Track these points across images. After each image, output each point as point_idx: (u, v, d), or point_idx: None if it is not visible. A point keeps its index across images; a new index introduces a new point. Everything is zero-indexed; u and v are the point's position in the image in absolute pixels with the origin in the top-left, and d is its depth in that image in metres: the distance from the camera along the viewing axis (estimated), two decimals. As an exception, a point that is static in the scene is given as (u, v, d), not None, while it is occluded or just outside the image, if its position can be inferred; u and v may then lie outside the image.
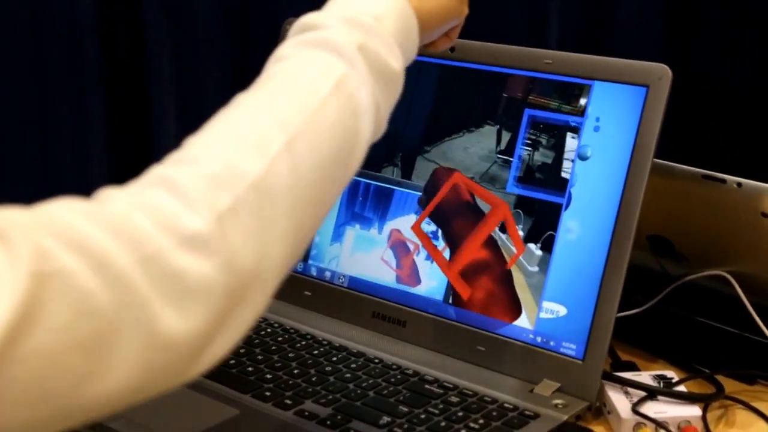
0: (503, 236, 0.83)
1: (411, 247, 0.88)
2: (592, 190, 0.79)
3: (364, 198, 0.92)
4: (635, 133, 0.77)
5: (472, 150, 0.86)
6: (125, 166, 1.49)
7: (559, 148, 0.82)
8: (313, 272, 0.94)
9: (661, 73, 0.77)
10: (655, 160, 0.78)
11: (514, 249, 0.82)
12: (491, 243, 0.84)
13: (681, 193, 0.83)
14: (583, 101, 0.81)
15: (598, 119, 0.80)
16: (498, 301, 0.83)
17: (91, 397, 0.46)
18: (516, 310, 0.82)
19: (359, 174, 0.90)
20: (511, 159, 0.84)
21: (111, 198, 0.50)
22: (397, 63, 0.61)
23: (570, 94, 0.82)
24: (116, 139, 1.47)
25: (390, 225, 0.90)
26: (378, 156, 0.90)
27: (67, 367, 0.45)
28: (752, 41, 1.79)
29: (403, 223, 0.89)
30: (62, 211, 0.47)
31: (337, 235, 0.93)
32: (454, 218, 0.86)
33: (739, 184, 0.77)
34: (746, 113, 1.88)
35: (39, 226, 0.46)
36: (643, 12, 1.86)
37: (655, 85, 0.77)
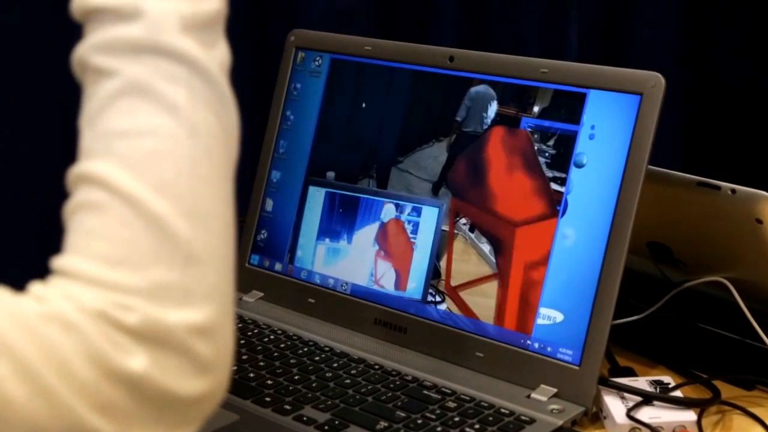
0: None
1: (399, 254, 0.89)
2: (588, 198, 0.80)
3: (340, 209, 0.93)
4: (630, 140, 0.78)
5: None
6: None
7: (555, 157, 0.82)
8: (317, 280, 0.95)
9: (655, 81, 0.77)
10: (651, 167, 0.78)
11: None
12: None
13: (678, 200, 0.84)
14: (578, 109, 0.82)
15: (593, 127, 0.81)
16: (502, 309, 0.84)
17: None
18: (522, 318, 0.82)
19: (337, 187, 0.93)
20: (508, 167, 0.85)
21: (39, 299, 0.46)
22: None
23: (565, 102, 0.82)
24: None
25: (369, 234, 0.91)
26: (356, 167, 0.93)
27: None
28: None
29: (384, 233, 0.90)
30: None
31: (334, 239, 0.94)
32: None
33: (734, 191, 0.78)
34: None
35: None
36: (661, 21, 1.86)
37: (648, 93, 0.78)
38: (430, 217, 0.89)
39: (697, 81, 1.92)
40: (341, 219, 0.94)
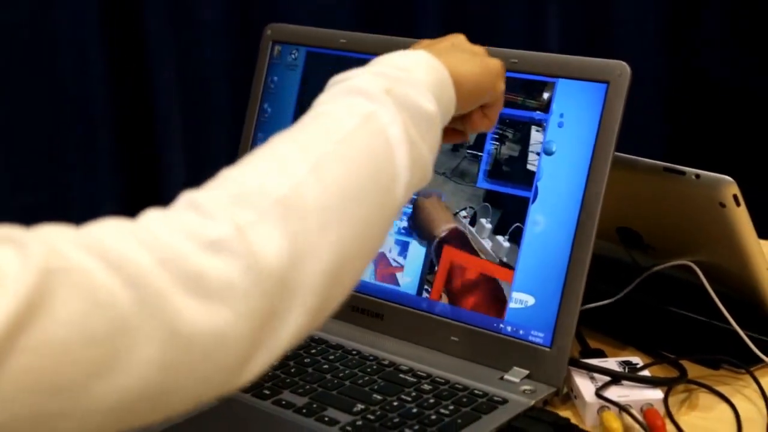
0: (473, 229, 0.86)
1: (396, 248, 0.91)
2: (558, 184, 0.82)
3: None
4: (597, 127, 0.80)
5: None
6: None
7: (525, 144, 0.85)
8: (295, 269, 0.97)
9: (621, 69, 0.80)
10: (619, 153, 0.81)
11: (485, 244, 0.85)
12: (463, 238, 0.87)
13: (646, 185, 0.86)
14: (547, 98, 0.84)
15: (562, 115, 0.83)
16: (482, 295, 0.86)
17: (104, 393, 0.46)
18: (500, 303, 0.85)
19: None
20: (480, 154, 0.87)
21: (139, 217, 0.51)
22: (429, 104, 0.62)
23: (535, 91, 0.85)
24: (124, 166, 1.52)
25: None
26: None
27: (79, 360, 0.44)
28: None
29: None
30: (90, 228, 0.49)
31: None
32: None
33: (698, 176, 0.80)
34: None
35: (59, 236, 0.47)
36: (642, 14, 1.88)
37: (615, 82, 0.80)
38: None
39: (677, 71, 1.95)
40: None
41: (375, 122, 0.59)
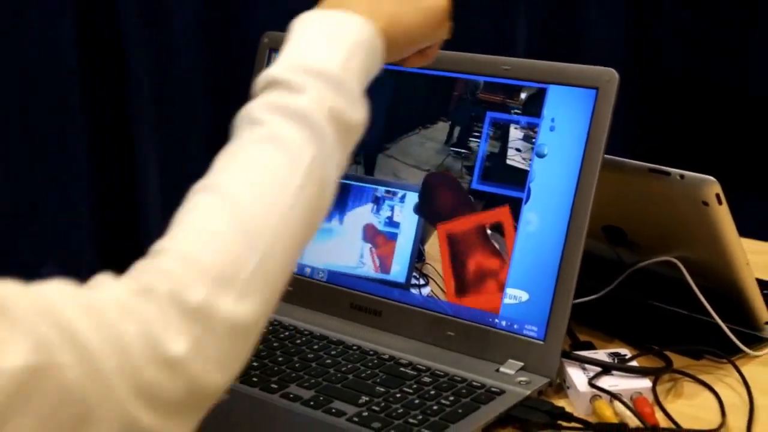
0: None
1: (385, 239, 0.95)
2: (549, 185, 0.86)
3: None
4: (587, 131, 0.85)
5: (436, 147, 0.93)
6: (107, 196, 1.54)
7: (518, 147, 0.89)
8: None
9: (609, 76, 0.84)
10: (606, 156, 0.85)
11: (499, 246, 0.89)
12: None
13: (631, 185, 0.91)
14: (539, 103, 0.88)
15: (553, 120, 0.87)
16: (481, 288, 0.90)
17: None
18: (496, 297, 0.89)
19: None
20: (471, 155, 0.91)
21: (105, 289, 0.54)
22: (360, 115, 0.64)
23: (527, 96, 0.89)
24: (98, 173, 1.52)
25: (358, 219, 0.97)
26: None
27: None
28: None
29: (372, 217, 0.96)
30: (60, 301, 0.51)
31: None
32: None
33: (682, 176, 0.85)
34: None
35: (40, 314, 0.49)
36: (607, 20, 1.94)
37: (603, 88, 0.84)
38: (413, 202, 0.94)
39: (642, 72, 2.00)
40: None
41: (316, 172, 0.60)
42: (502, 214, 0.88)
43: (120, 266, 0.57)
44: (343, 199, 0.98)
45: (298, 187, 0.59)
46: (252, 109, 0.62)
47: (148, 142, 1.58)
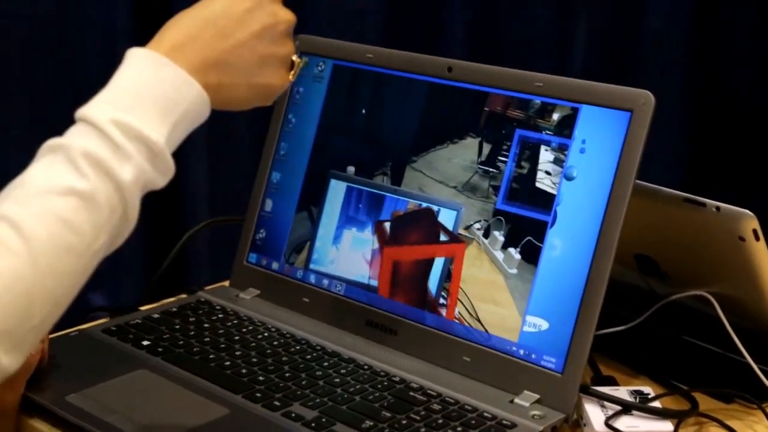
0: (486, 241, 0.86)
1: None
2: (577, 210, 0.82)
3: (357, 202, 0.95)
4: (619, 155, 0.80)
5: (463, 164, 0.90)
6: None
7: (546, 168, 0.85)
8: (312, 280, 0.98)
9: (645, 98, 0.80)
10: (639, 182, 0.81)
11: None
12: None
13: (665, 215, 0.86)
14: (570, 124, 0.84)
15: (584, 141, 0.83)
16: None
17: None
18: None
19: (354, 181, 0.95)
20: (499, 175, 0.87)
21: None
22: (166, 181, 0.68)
23: (558, 116, 0.85)
24: None
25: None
26: (370, 164, 0.95)
27: None
28: None
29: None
30: None
31: (336, 238, 0.96)
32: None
33: (718, 208, 0.80)
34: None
35: None
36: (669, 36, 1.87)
37: (638, 110, 0.80)
38: (447, 219, 0.90)
39: (703, 98, 1.93)
40: (362, 212, 0.96)
41: (124, 224, 0.65)
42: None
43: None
44: (377, 207, 0.94)
45: (91, 255, 0.64)
46: (73, 147, 0.64)
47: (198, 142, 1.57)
